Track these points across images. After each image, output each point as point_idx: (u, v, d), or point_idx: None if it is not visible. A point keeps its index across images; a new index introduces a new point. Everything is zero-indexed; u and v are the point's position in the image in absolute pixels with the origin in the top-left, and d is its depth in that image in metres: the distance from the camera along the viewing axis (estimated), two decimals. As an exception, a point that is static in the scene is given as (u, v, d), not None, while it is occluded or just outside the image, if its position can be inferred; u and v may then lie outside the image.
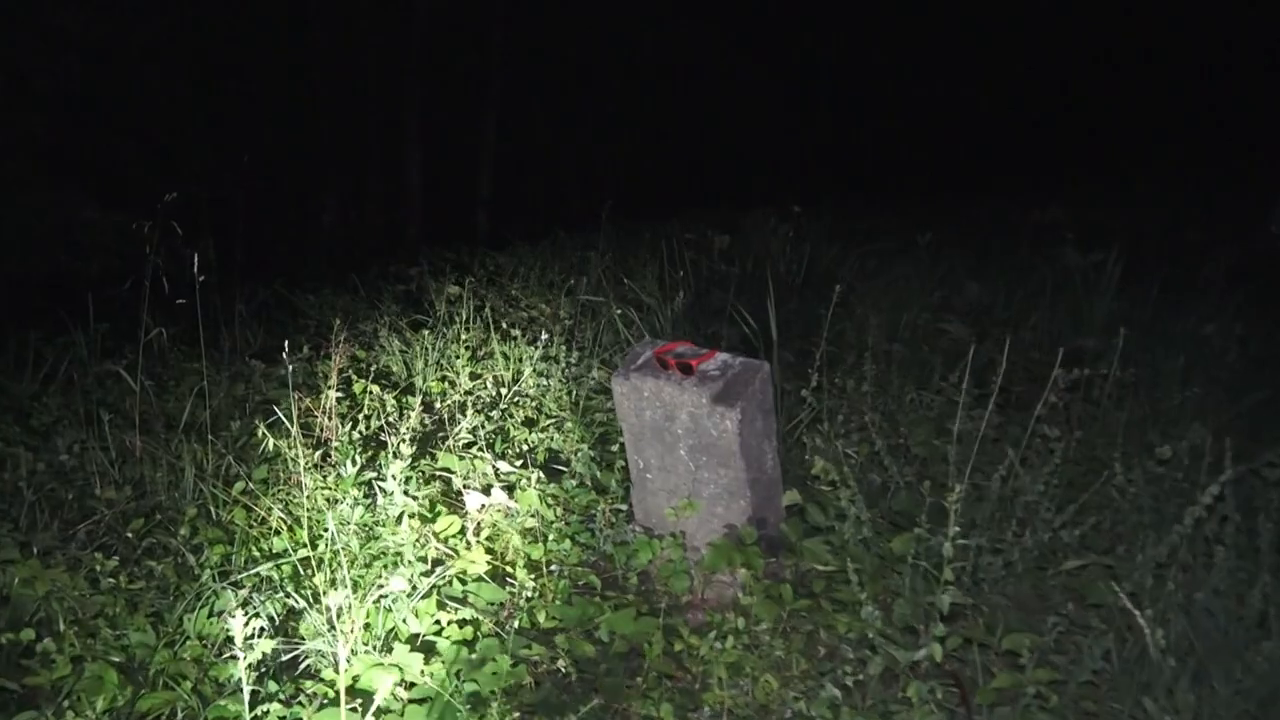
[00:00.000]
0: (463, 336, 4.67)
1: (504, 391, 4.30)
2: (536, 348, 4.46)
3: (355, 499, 3.08)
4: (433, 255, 9.64)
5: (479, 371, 4.65)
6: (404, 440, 3.53)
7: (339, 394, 4.26)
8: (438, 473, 3.48)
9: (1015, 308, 5.82)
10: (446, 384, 4.59)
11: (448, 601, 2.75)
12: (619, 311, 4.66)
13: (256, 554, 3.09)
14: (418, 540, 2.95)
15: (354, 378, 4.49)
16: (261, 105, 12.40)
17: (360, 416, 3.77)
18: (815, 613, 2.70)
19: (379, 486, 3.18)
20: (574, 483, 3.38)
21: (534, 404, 4.12)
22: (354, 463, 3.30)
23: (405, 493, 3.12)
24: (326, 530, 3.12)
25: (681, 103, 15.95)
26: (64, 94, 8.06)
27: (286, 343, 5.75)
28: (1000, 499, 2.98)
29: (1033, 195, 11.43)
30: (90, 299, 5.32)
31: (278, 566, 2.97)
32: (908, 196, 12.25)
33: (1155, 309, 5.38)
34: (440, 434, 3.87)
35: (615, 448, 3.32)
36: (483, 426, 3.80)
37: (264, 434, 3.60)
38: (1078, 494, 2.92)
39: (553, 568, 3.04)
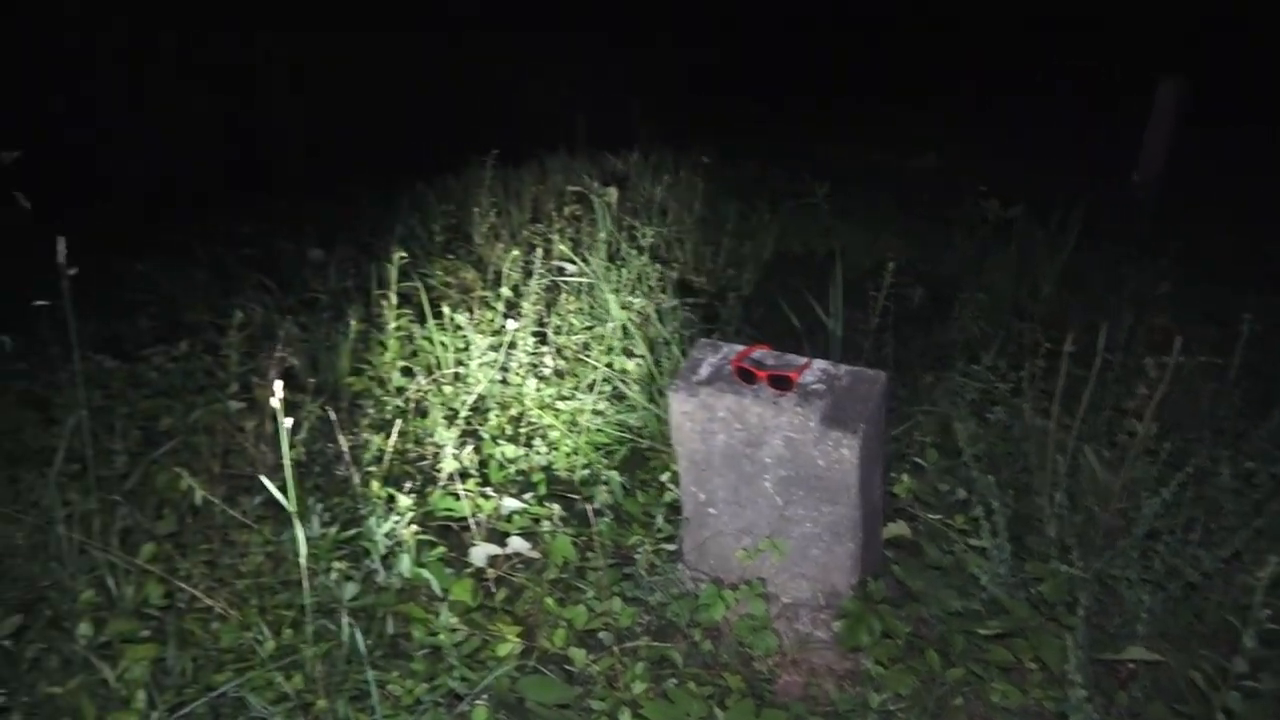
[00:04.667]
0: (389, 320, 3.80)
1: (459, 393, 3.52)
2: (492, 333, 3.69)
3: (340, 571, 2.29)
4: (258, 206, 8.40)
5: (409, 366, 3.82)
6: (373, 474, 2.74)
7: (242, 404, 3.36)
8: (428, 519, 2.70)
9: (954, 265, 5.56)
10: (371, 382, 3.74)
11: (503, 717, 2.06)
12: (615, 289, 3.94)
13: (199, 656, 2.25)
14: (447, 628, 2.22)
15: (255, 380, 3.56)
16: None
17: (298, 440, 2.91)
18: (965, 682, 2.22)
19: (369, 549, 2.40)
20: (606, 518, 2.72)
21: (510, 411, 3.37)
22: (319, 517, 2.49)
23: (415, 561, 2.36)
24: (291, 614, 2.34)
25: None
26: None
27: (132, 324, 4.74)
28: (1118, 516, 2.60)
29: (886, 135, 11.33)
30: None
31: (241, 674, 2.16)
32: (762, 141, 11.87)
33: (1100, 266, 5.26)
34: (418, 460, 3.06)
35: (665, 476, 2.68)
36: (457, 445, 3.04)
37: (178, 475, 2.70)
38: (1206, 507, 2.59)
39: (602, 636, 2.40)
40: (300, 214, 8.08)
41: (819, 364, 2.37)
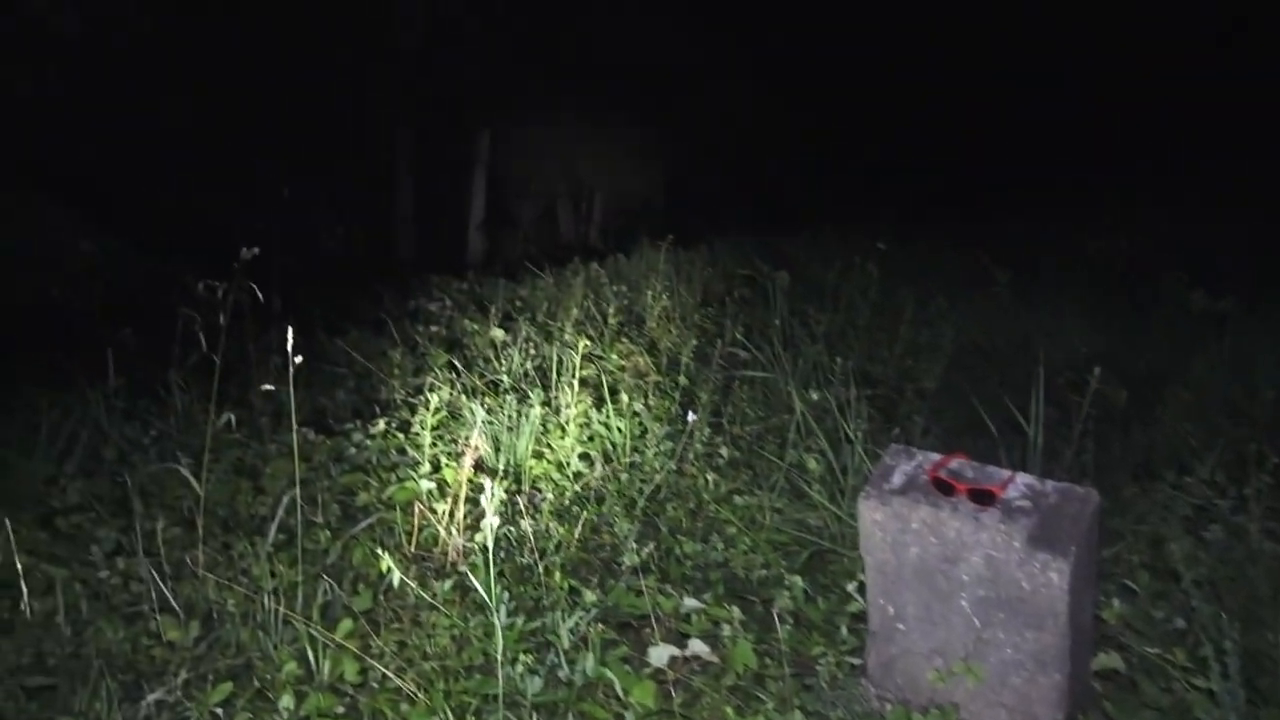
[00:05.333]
0: (570, 405, 3.91)
1: (635, 481, 3.55)
2: (668, 421, 3.72)
3: (525, 664, 2.32)
4: (445, 286, 8.86)
5: (587, 452, 3.89)
6: (555, 564, 2.79)
7: (431, 484, 3.50)
8: (607, 614, 2.71)
9: (1155, 361, 5.18)
10: (551, 466, 3.83)
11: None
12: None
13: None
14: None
15: (444, 460, 3.72)
16: (251, 116, 11.50)
17: (486, 524, 3.00)
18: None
19: (553, 642, 2.43)
20: (787, 625, 2.64)
21: (688, 504, 3.37)
22: (505, 605, 2.54)
23: (597, 659, 2.37)
24: (475, 701, 2.38)
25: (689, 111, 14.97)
26: (50, 101, 7.19)
27: (332, 398, 5.07)
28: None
29: (1070, 213, 10.75)
30: (108, 351, 4.56)
31: (428, 762, 2.20)
32: (935, 219, 11.47)
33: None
34: (598, 550, 3.10)
35: (851, 585, 2.59)
36: (635, 539, 3.05)
37: (373, 552, 2.84)
38: None
39: (783, 752, 2.31)
40: (483, 292, 8.50)
41: (1022, 478, 2.24)
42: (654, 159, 15.25)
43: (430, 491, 3.42)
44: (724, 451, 3.83)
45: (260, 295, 3.26)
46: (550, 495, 3.57)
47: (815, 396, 3.72)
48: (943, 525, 2.24)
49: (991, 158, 14.12)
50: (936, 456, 2.39)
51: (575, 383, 3.86)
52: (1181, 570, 2.54)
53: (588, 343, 3.86)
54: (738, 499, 3.39)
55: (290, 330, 2.85)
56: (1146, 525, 3.06)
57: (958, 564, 2.25)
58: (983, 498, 2.19)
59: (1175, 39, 12.65)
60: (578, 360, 3.91)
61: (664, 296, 6.55)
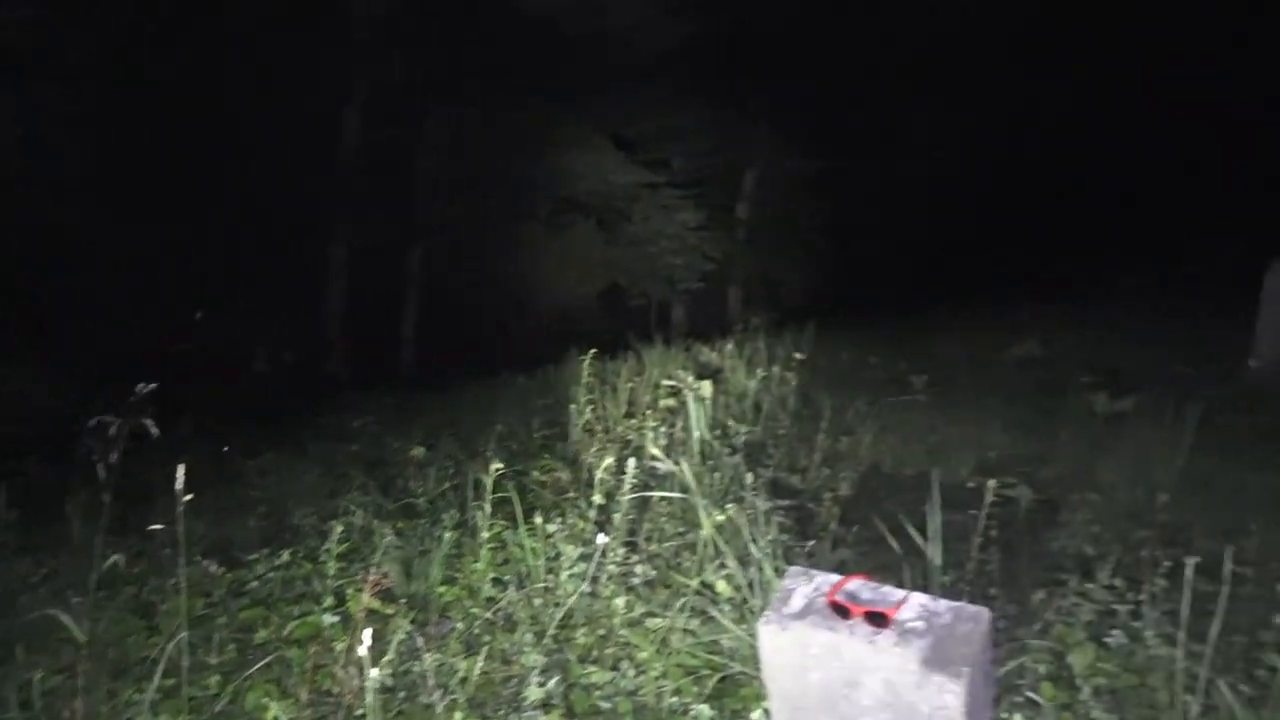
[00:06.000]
0: (483, 529, 3.84)
1: (544, 605, 3.47)
2: (583, 543, 3.67)
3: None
4: (372, 402, 8.75)
5: (499, 575, 3.80)
6: (456, 702, 2.68)
7: (334, 617, 3.37)
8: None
9: (1064, 463, 5.32)
10: (463, 592, 3.73)
11: None
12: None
13: None
14: None
15: (350, 591, 3.59)
16: (182, 234, 11.45)
17: (385, 662, 2.89)
18: None
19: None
20: (694, 759, 2.57)
21: (599, 630, 3.30)
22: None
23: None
24: None
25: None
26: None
27: (242, 526, 4.90)
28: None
29: (986, 321, 11.17)
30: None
31: None
32: (856, 326, 11.75)
33: (1224, 466, 4.95)
34: (505, 682, 3.00)
35: (756, 713, 2.54)
36: (541, 670, 2.96)
37: (264, 698, 2.70)
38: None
39: None
40: (410, 407, 8.39)
41: (917, 598, 2.25)
42: (589, 273, 15.54)
43: (333, 625, 3.29)
44: (639, 570, 3.78)
45: (155, 427, 3.16)
46: (460, 624, 3.47)
47: (721, 517, 3.71)
48: (841, 649, 2.22)
49: (911, 266, 14.75)
50: (835, 578, 2.38)
51: (487, 506, 3.80)
52: (1080, 680, 2.55)
53: (499, 465, 3.81)
54: (650, 621, 3.33)
55: (181, 467, 2.77)
56: (1051, 635, 3.08)
57: (858, 688, 2.23)
58: (878, 620, 2.19)
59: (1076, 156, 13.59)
60: (489, 485, 3.86)
61: (588, 409, 6.54)
